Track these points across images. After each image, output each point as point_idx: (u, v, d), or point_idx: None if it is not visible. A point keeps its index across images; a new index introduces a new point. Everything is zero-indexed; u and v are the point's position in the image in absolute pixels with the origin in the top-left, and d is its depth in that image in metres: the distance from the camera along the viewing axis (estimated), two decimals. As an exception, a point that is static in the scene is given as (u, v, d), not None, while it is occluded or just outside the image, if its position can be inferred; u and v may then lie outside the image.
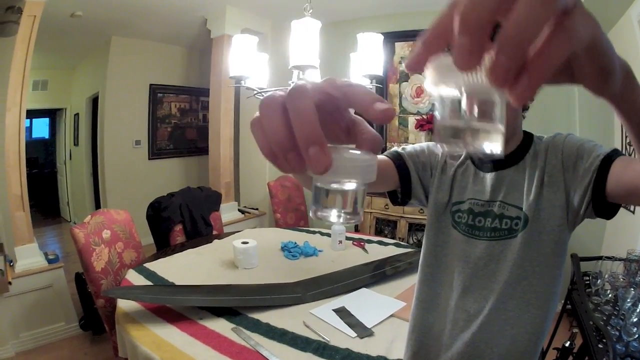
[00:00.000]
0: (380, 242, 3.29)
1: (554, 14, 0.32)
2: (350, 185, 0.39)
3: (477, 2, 0.32)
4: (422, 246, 1.32)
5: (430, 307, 1.27)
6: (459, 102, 0.38)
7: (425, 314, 1.27)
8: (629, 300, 2.01)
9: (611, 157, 0.97)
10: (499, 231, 1.15)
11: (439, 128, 0.40)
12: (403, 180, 1.28)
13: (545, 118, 3.94)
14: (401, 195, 1.31)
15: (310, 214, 0.43)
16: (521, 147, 1.17)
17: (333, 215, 0.40)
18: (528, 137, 1.19)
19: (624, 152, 2.92)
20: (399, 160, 1.28)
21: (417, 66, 0.39)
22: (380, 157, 1.27)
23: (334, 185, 0.39)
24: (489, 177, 1.20)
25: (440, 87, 0.38)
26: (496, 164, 1.19)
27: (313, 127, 0.37)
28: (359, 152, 0.40)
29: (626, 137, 3.29)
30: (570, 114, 4.11)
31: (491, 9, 0.32)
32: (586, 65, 0.39)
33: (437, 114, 0.40)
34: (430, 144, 1.35)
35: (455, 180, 1.27)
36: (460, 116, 0.38)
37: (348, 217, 0.41)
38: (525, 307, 1.11)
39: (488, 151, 0.39)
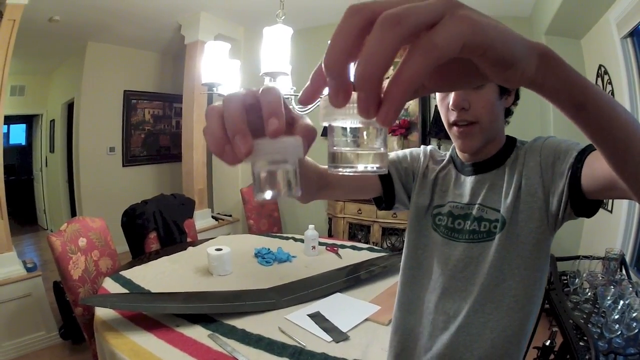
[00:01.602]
0: (353, 247, 3.32)
1: (402, 39, 0.35)
2: (278, 166, 0.45)
3: (332, 47, 0.37)
4: (404, 249, 1.34)
5: (411, 308, 1.28)
6: (346, 131, 0.45)
7: (407, 316, 1.29)
8: (609, 297, 2.04)
9: (585, 151, 0.96)
10: (477, 234, 1.16)
11: (331, 155, 0.46)
12: (386, 187, 1.31)
13: (520, 120, 3.97)
14: (385, 201, 1.34)
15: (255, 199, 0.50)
16: (502, 151, 1.19)
17: (268, 194, 0.45)
18: (511, 142, 1.20)
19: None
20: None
21: (307, 101, 0.45)
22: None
23: (266, 168, 0.45)
24: (469, 180, 1.22)
25: (330, 120, 0.43)
26: (477, 167, 1.21)
27: (236, 121, 0.43)
28: (285, 138, 0.44)
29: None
30: (544, 112, 4.21)
31: (345, 52, 0.37)
32: (479, 62, 0.40)
33: (329, 142, 0.46)
34: (414, 149, 1.39)
35: (436, 184, 1.29)
36: (348, 143, 0.45)
37: (282, 193, 0.45)
38: (505, 310, 1.11)
39: (374, 170, 0.45)
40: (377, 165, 0.45)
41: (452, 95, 1.12)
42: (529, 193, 1.09)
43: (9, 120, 7.71)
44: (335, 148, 0.46)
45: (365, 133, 0.45)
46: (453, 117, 1.13)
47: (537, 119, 4.36)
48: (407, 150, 1.39)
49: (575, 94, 0.50)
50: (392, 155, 1.36)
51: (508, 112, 1.22)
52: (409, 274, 1.31)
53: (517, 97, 1.21)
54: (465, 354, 1.14)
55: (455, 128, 1.15)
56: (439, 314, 1.20)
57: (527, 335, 1.14)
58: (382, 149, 0.45)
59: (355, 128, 0.45)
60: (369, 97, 0.37)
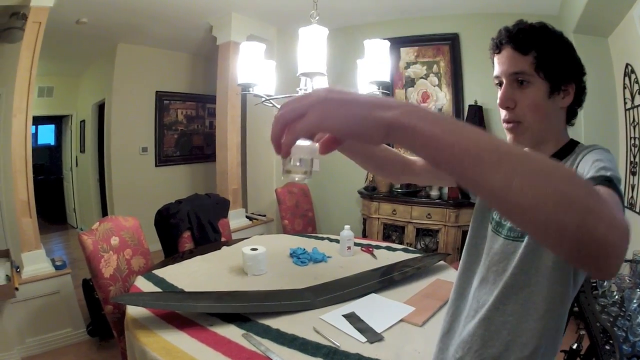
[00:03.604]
0: (388, 248, 3.27)
1: (282, 127, 0.65)
2: (301, 159, 0.73)
3: (271, 131, 0.67)
4: (467, 237, 1.40)
5: (462, 293, 1.33)
6: (286, 160, 0.73)
7: (458, 298, 1.34)
8: (635, 301, 2.02)
9: (592, 180, 0.90)
10: (514, 232, 1.17)
11: (283, 169, 0.75)
12: None
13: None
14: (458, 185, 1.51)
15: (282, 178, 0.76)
16: (558, 153, 1.16)
17: (292, 176, 0.74)
18: (571, 145, 1.17)
19: (628, 153, 2.88)
20: None
21: (278, 152, 0.68)
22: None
23: (294, 161, 0.73)
24: None
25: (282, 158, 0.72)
26: None
27: (274, 135, 0.66)
28: (309, 144, 0.71)
29: (631, 139, 3.28)
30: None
31: (275, 134, 0.66)
32: (339, 135, 0.67)
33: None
34: None
35: None
36: (291, 164, 0.73)
37: (303, 176, 0.75)
38: (524, 316, 1.10)
39: (296, 180, 0.76)
40: (298, 177, 0.75)
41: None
42: None
43: (38, 121, 7.82)
44: (284, 166, 0.74)
45: (291, 161, 0.73)
46: (502, 114, 1.17)
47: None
48: None
49: (427, 154, 0.62)
50: None
51: (571, 113, 1.20)
52: (466, 260, 1.36)
53: (579, 98, 1.18)
54: (482, 347, 1.16)
55: (505, 125, 1.18)
56: (475, 301, 1.24)
57: (542, 349, 1.10)
58: (302, 169, 0.74)
59: (289, 158, 0.72)
60: (275, 146, 0.67)
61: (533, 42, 1.10)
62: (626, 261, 2.46)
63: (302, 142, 0.68)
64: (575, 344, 2.13)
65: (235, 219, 5.27)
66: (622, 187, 0.98)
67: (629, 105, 3.29)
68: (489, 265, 1.22)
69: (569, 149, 1.16)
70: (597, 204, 0.57)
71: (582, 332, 2.07)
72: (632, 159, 3.27)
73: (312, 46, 2.16)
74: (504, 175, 0.55)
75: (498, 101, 1.15)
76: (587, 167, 0.99)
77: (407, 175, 1.36)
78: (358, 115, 0.60)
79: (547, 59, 1.09)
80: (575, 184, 0.57)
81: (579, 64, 1.16)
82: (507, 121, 1.17)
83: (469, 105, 4.65)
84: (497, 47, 1.16)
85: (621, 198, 0.86)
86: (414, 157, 1.39)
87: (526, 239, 1.12)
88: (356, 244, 3.19)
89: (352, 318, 2.05)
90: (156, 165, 6.67)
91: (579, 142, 1.18)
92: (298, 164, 0.73)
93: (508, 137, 1.20)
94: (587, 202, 0.56)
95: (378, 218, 4.97)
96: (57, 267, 3.59)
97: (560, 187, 0.55)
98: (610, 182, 0.87)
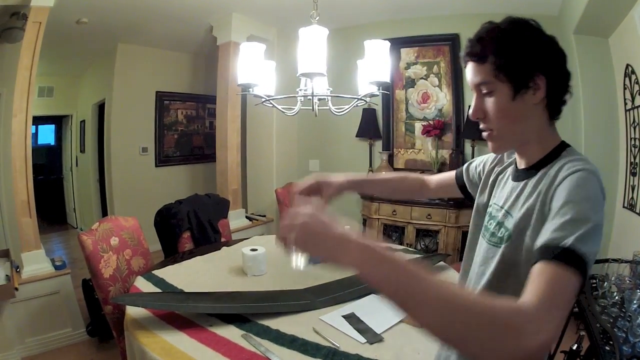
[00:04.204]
0: (388, 249, 3.23)
1: (287, 233, 0.88)
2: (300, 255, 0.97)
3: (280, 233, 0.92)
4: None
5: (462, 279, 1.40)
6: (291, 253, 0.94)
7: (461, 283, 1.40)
8: (635, 302, 2.01)
9: (545, 253, 0.86)
10: (495, 237, 1.19)
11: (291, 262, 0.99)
12: (462, 189, 1.62)
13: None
14: (466, 198, 1.60)
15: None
16: (544, 160, 1.13)
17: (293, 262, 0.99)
18: (557, 150, 1.13)
19: (628, 154, 2.91)
20: (459, 174, 1.62)
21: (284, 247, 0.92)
22: (451, 173, 1.68)
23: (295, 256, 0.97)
24: (509, 185, 1.23)
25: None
26: (517, 174, 1.22)
27: (281, 240, 0.91)
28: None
29: (631, 139, 3.29)
30: (575, 117, 4.09)
31: (282, 237, 0.91)
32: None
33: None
34: (491, 155, 1.44)
35: (494, 184, 1.35)
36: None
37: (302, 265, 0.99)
38: None
39: (296, 267, 1.01)
40: (296, 265, 0.99)
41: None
42: (537, 219, 1.04)
43: (38, 121, 7.84)
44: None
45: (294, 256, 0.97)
46: (480, 124, 1.19)
47: (567, 119, 4.21)
48: (485, 156, 1.52)
49: (380, 290, 0.78)
50: (474, 162, 1.57)
51: (553, 108, 1.14)
52: (464, 261, 1.41)
53: (557, 88, 1.11)
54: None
55: (483, 134, 1.20)
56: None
57: None
58: (298, 259, 0.98)
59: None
60: (283, 246, 0.91)
61: (489, 48, 1.09)
62: (626, 262, 2.47)
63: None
64: (575, 345, 2.13)
65: (235, 219, 5.27)
66: (596, 240, 0.88)
67: (629, 106, 3.29)
68: (475, 267, 1.27)
69: (555, 154, 1.12)
70: (496, 339, 0.70)
71: (582, 332, 2.07)
72: (632, 160, 3.27)
73: (312, 46, 2.16)
74: (424, 316, 0.75)
75: (470, 113, 1.19)
76: (553, 210, 0.95)
77: (425, 192, 1.72)
78: (325, 251, 0.85)
79: (505, 60, 1.07)
80: (477, 325, 0.71)
81: (548, 51, 1.09)
82: (482, 130, 1.19)
83: (469, 106, 4.62)
84: (464, 62, 1.19)
85: (582, 269, 0.82)
86: (428, 177, 1.71)
87: (503, 246, 1.13)
88: (356, 245, 3.14)
89: (351, 319, 2.05)
90: (156, 166, 6.67)
91: (568, 146, 1.14)
92: (299, 257, 0.97)
93: (488, 145, 1.21)
94: (482, 345, 0.71)
95: (378, 218, 4.95)
96: (56, 267, 3.59)
97: (462, 330, 0.72)
98: (568, 254, 0.84)
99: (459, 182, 1.61)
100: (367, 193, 1.66)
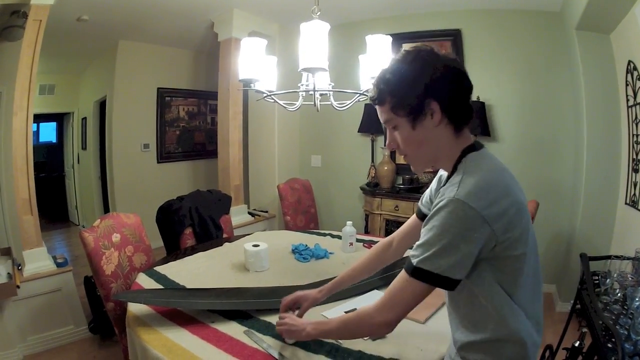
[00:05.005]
0: (390, 244, 3.23)
1: (280, 332, 1.71)
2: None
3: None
4: None
5: None
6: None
7: None
8: (637, 299, 2.01)
9: (405, 264, 1.18)
10: None
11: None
12: None
13: (554, 117, 3.91)
14: None
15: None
16: (451, 174, 1.27)
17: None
18: (456, 164, 1.25)
19: (630, 150, 2.92)
20: (419, 212, 1.67)
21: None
22: (412, 217, 1.76)
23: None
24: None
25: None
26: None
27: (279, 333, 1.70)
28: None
29: (633, 136, 3.28)
30: (577, 114, 4.08)
31: (279, 332, 1.72)
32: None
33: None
34: (434, 179, 1.56)
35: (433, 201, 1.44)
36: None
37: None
38: (456, 325, 1.32)
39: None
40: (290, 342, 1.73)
41: None
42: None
43: (39, 118, 7.84)
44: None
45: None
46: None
47: (569, 116, 4.20)
48: (429, 187, 1.62)
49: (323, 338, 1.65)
50: (420, 201, 1.68)
51: (457, 124, 1.24)
52: None
53: (452, 107, 1.22)
54: (452, 334, 1.39)
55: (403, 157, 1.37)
56: None
57: (480, 335, 1.23)
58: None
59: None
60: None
61: (383, 90, 1.25)
62: (629, 259, 2.46)
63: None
64: (578, 342, 2.12)
65: (237, 215, 5.27)
66: (444, 256, 1.09)
67: (631, 103, 3.27)
68: None
69: (455, 167, 1.24)
70: (365, 329, 1.36)
71: (585, 330, 2.06)
72: (634, 157, 3.26)
73: (314, 42, 2.15)
74: (339, 337, 1.70)
75: (386, 145, 1.40)
76: (426, 225, 1.15)
77: (399, 248, 1.84)
78: (296, 336, 1.62)
79: (397, 98, 1.22)
80: (356, 331, 1.41)
81: (435, 76, 1.19)
82: (402, 155, 1.36)
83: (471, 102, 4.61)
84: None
85: (426, 279, 1.12)
86: (394, 234, 1.87)
87: None
88: (358, 240, 3.18)
89: (354, 315, 2.05)
90: (158, 162, 6.66)
91: (468, 153, 1.24)
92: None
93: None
94: (361, 332, 1.44)
95: (380, 214, 4.95)
96: (58, 265, 3.59)
97: (351, 334, 1.51)
98: (415, 270, 1.14)
99: (422, 218, 1.63)
100: (350, 286, 1.82)
